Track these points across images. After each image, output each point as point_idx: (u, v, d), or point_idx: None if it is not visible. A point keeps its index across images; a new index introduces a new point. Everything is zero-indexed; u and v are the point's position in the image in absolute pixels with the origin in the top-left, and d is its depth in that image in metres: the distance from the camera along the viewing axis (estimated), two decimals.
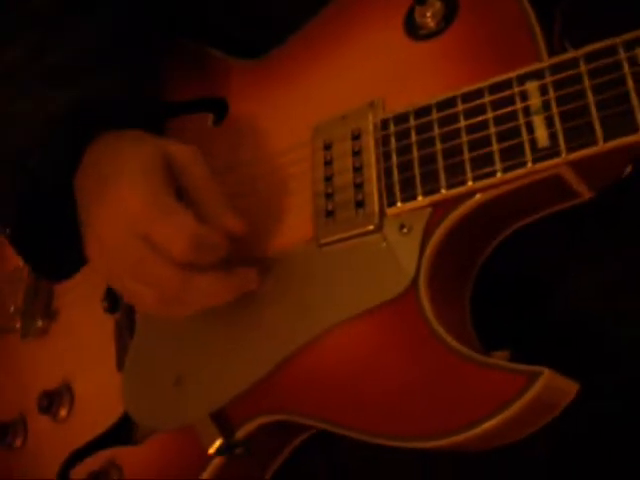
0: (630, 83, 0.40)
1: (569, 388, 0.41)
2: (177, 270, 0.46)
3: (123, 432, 0.57)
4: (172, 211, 0.46)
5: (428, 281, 0.45)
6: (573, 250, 0.49)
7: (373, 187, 0.48)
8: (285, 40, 0.59)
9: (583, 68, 0.42)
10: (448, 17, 0.50)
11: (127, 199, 0.46)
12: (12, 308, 0.71)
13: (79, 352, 0.63)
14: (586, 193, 0.45)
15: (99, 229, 0.48)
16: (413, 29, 0.51)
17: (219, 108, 0.61)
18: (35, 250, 0.57)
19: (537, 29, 0.46)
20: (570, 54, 0.43)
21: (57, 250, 0.57)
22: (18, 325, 0.69)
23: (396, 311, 0.45)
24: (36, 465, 0.64)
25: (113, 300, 0.59)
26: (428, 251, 0.45)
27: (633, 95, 0.40)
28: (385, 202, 0.47)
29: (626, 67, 0.40)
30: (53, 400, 0.62)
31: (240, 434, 0.50)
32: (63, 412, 0.62)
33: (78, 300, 0.65)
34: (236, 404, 0.50)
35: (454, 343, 0.43)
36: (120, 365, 0.59)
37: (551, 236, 0.49)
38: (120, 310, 0.60)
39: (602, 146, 0.40)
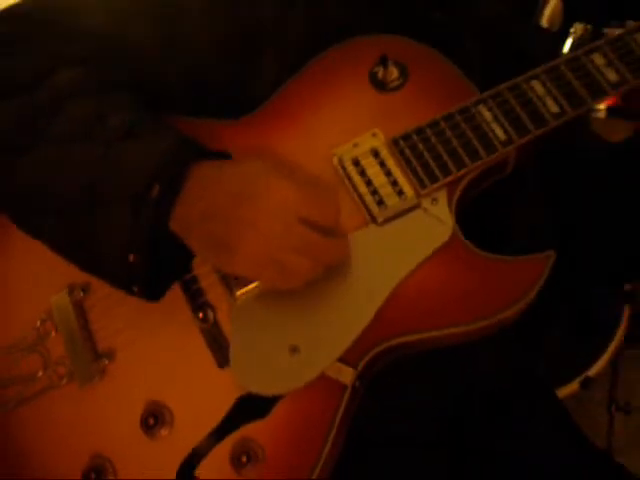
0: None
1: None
2: (330, 238, 0.67)
3: (243, 414, 0.70)
4: (317, 194, 0.67)
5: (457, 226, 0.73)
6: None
7: (405, 181, 0.74)
8: (268, 98, 0.80)
9: (508, 95, 0.76)
10: (404, 75, 0.79)
11: (284, 192, 0.65)
12: (40, 373, 0.75)
13: (157, 373, 0.72)
14: (509, 170, 0.79)
15: (256, 223, 0.64)
16: (379, 85, 0.79)
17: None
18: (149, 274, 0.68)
19: (465, 77, 0.78)
20: (495, 89, 0.77)
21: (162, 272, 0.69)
22: (64, 381, 0.74)
23: (447, 248, 0.72)
24: None
25: (206, 311, 0.72)
26: (453, 211, 0.73)
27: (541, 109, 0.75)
28: (418, 187, 0.73)
29: (530, 94, 0.76)
30: (157, 415, 0.70)
31: (360, 366, 0.69)
32: (164, 431, 0.70)
33: (137, 334, 0.73)
34: (353, 345, 0.70)
35: (492, 255, 0.71)
36: (221, 362, 0.71)
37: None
38: (209, 319, 0.72)
39: (535, 133, 0.74)
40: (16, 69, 0.75)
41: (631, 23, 2.16)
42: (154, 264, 0.68)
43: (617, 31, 2.21)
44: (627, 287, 1.91)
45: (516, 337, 0.87)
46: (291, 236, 0.65)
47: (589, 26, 2.14)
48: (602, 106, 2.03)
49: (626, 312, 1.92)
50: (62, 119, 0.70)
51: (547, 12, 2.61)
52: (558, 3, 2.59)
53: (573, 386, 1.94)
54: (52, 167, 0.69)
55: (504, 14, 0.95)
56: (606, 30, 2.12)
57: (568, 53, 0.80)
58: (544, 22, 2.62)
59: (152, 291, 0.70)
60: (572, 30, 2.18)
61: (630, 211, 0.87)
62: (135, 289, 0.69)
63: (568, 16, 2.53)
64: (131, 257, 0.66)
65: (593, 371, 1.94)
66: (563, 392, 1.92)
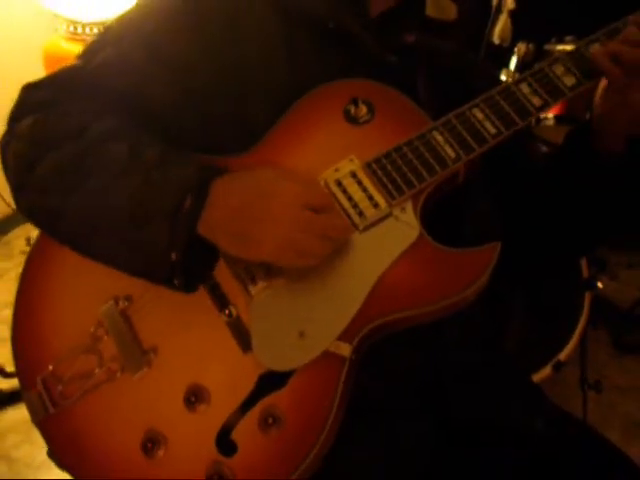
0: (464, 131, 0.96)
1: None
2: (331, 216, 0.87)
3: (266, 387, 0.88)
4: (314, 186, 0.89)
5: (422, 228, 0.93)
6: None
7: (378, 195, 0.93)
8: (263, 138, 0.99)
9: (455, 122, 0.96)
10: (371, 111, 0.99)
11: (289, 189, 0.86)
12: (97, 371, 0.93)
13: (194, 361, 0.90)
14: (461, 180, 0.99)
15: (273, 216, 0.84)
16: (352, 120, 0.99)
17: None
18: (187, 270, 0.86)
19: (420, 109, 0.98)
20: (445, 118, 0.97)
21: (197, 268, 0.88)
22: (118, 375, 0.92)
23: (416, 246, 0.91)
24: (187, 459, 0.87)
25: (229, 308, 0.91)
26: (418, 216, 0.93)
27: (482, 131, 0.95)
28: (389, 199, 0.93)
29: (472, 120, 0.96)
30: (197, 394, 0.88)
31: (355, 342, 0.88)
32: (203, 406, 0.88)
33: (174, 332, 0.92)
34: (347, 326, 0.88)
35: (451, 249, 0.91)
36: (244, 348, 0.89)
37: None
38: (232, 315, 0.91)
39: (479, 150, 0.95)
40: (60, 126, 0.93)
41: (569, 38, 2.40)
42: (191, 261, 0.86)
43: (557, 46, 2.46)
44: (586, 275, 2.12)
45: (482, 313, 1.06)
46: (300, 221, 0.85)
47: (531, 45, 2.38)
48: (550, 115, 2.26)
49: (587, 298, 2.13)
50: (104, 158, 0.89)
51: (497, 29, 2.87)
52: (507, 21, 2.84)
53: (546, 370, 2.13)
54: (100, 196, 0.87)
55: (450, 52, 1.16)
56: (546, 47, 2.36)
57: (501, 84, 1.00)
58: (495, 39, 2.87)
59: (189, 284, 0.88)
60: (516, 49, 2.42)
61: (562, 212, 1.07)
62: (176, 282, 0.87)
63: (517, 33, 2.78)
64: (173, 256, 0.84)
65: (563, 355, 2.14)
66: (538, 376, 2.12)
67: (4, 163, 0.96)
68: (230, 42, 0.99)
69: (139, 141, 0.91)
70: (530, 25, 2.68)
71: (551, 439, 1.03)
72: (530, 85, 0.99)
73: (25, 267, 1.00)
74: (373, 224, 0.93)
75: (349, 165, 0.96)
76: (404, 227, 0.92)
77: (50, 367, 0.94)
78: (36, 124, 0.94)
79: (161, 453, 0.88)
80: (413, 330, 0.91)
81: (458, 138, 0.95)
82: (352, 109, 0.99)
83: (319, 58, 1.03)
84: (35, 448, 0.92)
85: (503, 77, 2.28)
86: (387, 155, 0.95)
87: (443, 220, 0.96)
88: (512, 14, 2.68)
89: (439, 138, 0.95)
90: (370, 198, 0.94)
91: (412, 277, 0.91)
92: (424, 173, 0.94)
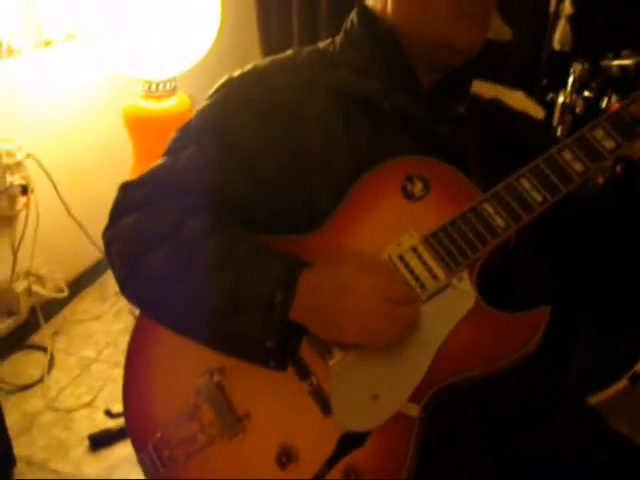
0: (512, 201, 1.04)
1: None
2: (403, 307, 0.98)
3: (346, 446, 1.00)
4: (388, 279, 1.00)
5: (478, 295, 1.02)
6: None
7: (437, 267, 1.03)
8: (329, 218, 1.11)
9: (503, 193, 1.05)
10: (426, 187, 1.09)
11: (368, 283, 0.98)
12: (199, 436, 1.06)
13: (283, 424, 1.03)
14: (512, 245, 1.07)
15: (353, 307, 0.96)
16: (409, 196, 1.09)
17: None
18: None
19: (471, 182, 1.08)
20: (494, 190, 1.06)
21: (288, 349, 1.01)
22: (217, 440, 1.05)
23: (473, 312, 1.01)
24: None
25: (310, 378, 1.03)
26: (474, 284, 1.03)
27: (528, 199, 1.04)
28: (447, 271, 1.03)
29: (520, 190, 1.05)
30: (288, 454, 1.01)
31: (423, 403, 0.99)
32: (293, 464, 1.01)
33: (263, 399, 1.05)
34: (416, 389, 0.99)
35: (505, 313, 1.00)
36: (325, 412, 1.01)
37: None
38: (313, 383, 1.03)
39: (526, 219, 1.03)
40: (157, 225, 1.07)
41: (626, 53, 2.42)
42: (285, 345, 0.99)
43: (614, 62, 2.47)
44: None
45: (544, 361, 1.14)
46: (378, 312, 0.97)
47: (586, 64, 2.41)
48: None
49: None
50: (199, 256, 1.02)
51: (557, 35, 2.89)
52: (566, 26, 2.87)
53: (623, 383, 2.16)
54: (199, 291, 1.01)
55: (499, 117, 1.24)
56: (603, 63, 2.38)
57: (544, 154, 1.08)
58: (556, 45, 2.89)
59: (284, 363, 1.01)
60: (572, 70, 2.44)
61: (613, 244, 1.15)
62: (272, 364, 1.00)
63: (577, 38, 2.79)
64: (268, 344, 0.97)
65: (639, 367, 2.16)
66: (614, 389, 2.16)
67: (109, 258, 1.12)
68: (293, 137, 1.10)
69: (228, 237, 1.04)
70: (589, 30, 2.70)
71: (613, 468, 1.10)
72: (572, 151, 1.06)
73: (129, 345, 1.15)
74: (434, 294, 1.03)
75: (410, 240, 1.06)
76: (462, 295, 1.02)
77: (158, 434, 1.09)
78: (136, 224, 1.08)
79: None
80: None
81: (507, 208, 1.04)
82: (409, 186, 1.09)
83: (377, 138, 1.14)
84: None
85: (561, 99, 2.31)
86: (443, 229, 1.05)
87: (495, 280, 1.05)
88: (570, 19, 2.71)
89: (489, 209, 1.04)
90: (430, 270, 1.04)
91: (471, 341, 1.00)
92: (477, 244, 1.03)
